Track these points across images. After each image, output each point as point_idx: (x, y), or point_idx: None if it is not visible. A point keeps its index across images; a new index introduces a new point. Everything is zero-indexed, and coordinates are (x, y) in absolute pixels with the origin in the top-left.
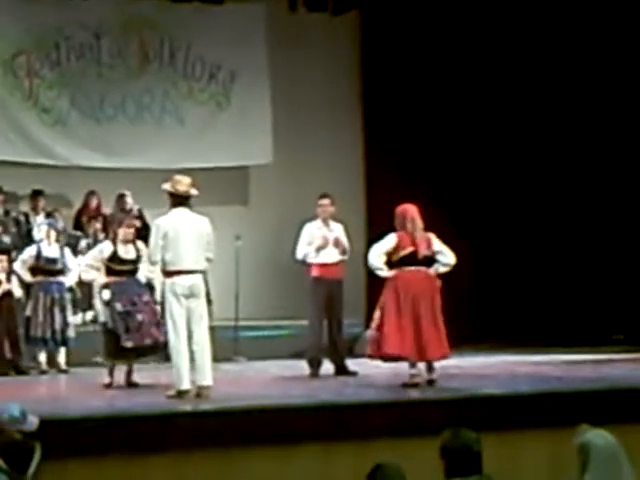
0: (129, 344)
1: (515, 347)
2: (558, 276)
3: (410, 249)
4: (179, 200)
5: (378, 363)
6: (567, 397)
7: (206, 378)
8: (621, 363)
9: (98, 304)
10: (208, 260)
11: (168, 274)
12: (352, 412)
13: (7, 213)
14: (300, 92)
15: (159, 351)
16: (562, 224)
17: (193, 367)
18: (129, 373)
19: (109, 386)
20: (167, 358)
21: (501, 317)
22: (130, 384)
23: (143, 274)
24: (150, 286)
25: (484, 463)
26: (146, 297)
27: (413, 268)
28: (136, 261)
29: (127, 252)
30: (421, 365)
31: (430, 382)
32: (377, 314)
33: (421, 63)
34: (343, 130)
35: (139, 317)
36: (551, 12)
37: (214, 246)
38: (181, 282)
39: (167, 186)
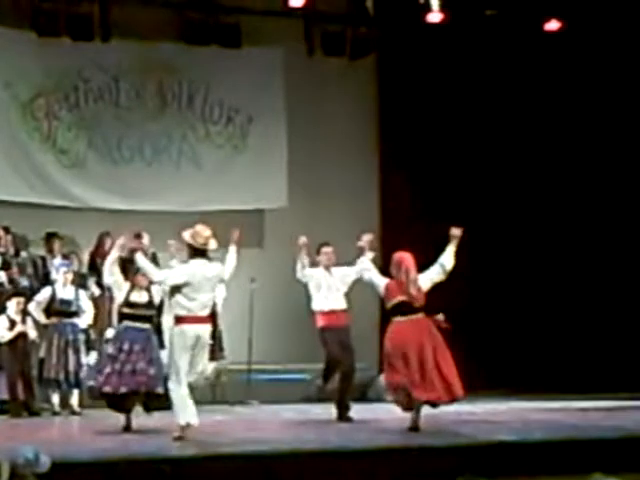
0: (107, 389)
1: (529, 393)
2: (572, 322)
3: (400, 298)
4: (198, 252)
5: (390, 408)
6: (581, 445)
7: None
8: (635, 410)
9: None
10: (231, 273)
11: (177, 321)
12: (367, 458)
13: (17, 254)
14: (317, 135)
15: (140, 400)
16: (579, 268)
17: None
18: (127, 416)
19: (125, 430)
20: (146, 408)
21: (515, 363)
22: (126, 428)
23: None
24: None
25: None
26: (139, 347)
27: (404, 318)
28: (149, 305)
29: (139, 296)
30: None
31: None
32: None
33: (436, 103)
34: (359, 173)
35: (125, 366)
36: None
37: (228, 270)
38: (190, 330)
39: (187, 236)
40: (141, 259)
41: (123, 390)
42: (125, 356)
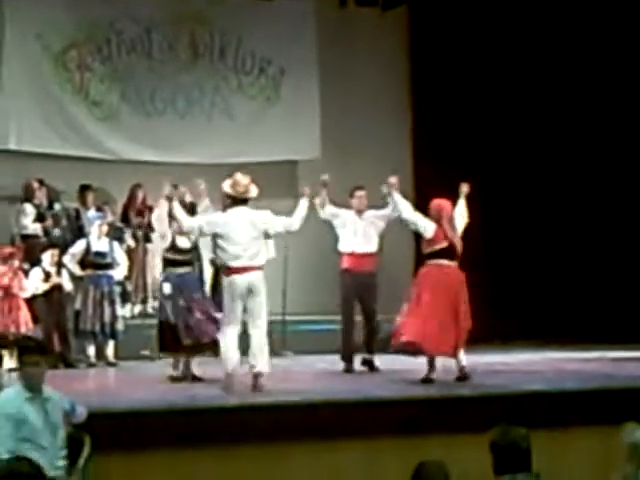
0: (188, 341)
1: (562, 344)
2: (605, 273)
3: (444, 244)
4: (237, 201)
5: (423, 360)
6: (615, 394)
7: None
8: None
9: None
10: (288, 229)
11: (226, 272)
12: (398, 408)
13: (51, 206)
14: (349, 87)
15: (214, 348)
16: (607, 222)
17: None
18: (187, 366)
19: (176, 379)
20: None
21: (549, 314)
22: (193, 377)
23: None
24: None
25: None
26: (200, 294)
27: (446, 262)
28: (192, 250)
29: (183, 242)
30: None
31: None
32: (404, 306)
33: (469, 56)
34: (391, 125)
35: (197, 315)
36: (568, 13)
37: (280, 221)
38: (239, 280)
39: (226, 186)
40: (176, 207)
41: (206, 340)
42: (197, 305)
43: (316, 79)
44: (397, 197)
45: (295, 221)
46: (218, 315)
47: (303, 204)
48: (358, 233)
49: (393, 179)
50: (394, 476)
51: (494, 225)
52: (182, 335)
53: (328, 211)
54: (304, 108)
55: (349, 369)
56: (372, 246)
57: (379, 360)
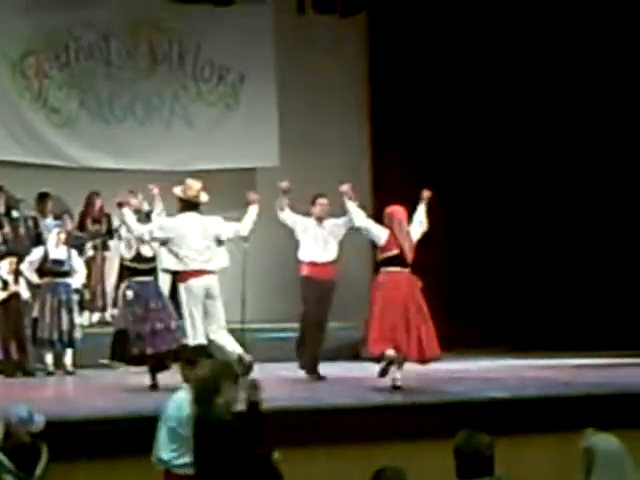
0: (135, 351)
1: (522, 351)
2: (565, 280)
3: (395, 251)
4: (188, 205)
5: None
6: (573, 401)
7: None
8: (627, 368)
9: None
10: (244, 239)
11: (182, 277)
12: (358, 415)
13: (8, 213)
14: (307, 93)
15: (173, 356)
16: (569, 228)
17: None
18: (153, 375)
19: (153, 388)
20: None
21: (507, 322)
22: (154, 387)
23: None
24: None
25: None
26: (160, 302)
27: (397, 269)
28: (154, 259)
29: (147, 250)
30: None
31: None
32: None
33: (427, 63)
34: (350, 131)
35: (154, 324)
36: (555, 11)
37: (230, 227)
38: (196, 284)
39: (178, 190)
40: (126, 213)
41: (164, 349)
42: (155, 314)
43: (274, 85)
44: (350, 205)
45: (245, 226)
46: (175, 325)
47: (252, 210)
48: (319, 241)
49: (345, 187)
50: None
51: (455, 232)
52: (130, 344)
53: (288, 215)
54: (263, 115)
55: (319, 377)
56: (332, 254)
57: (339, 367)
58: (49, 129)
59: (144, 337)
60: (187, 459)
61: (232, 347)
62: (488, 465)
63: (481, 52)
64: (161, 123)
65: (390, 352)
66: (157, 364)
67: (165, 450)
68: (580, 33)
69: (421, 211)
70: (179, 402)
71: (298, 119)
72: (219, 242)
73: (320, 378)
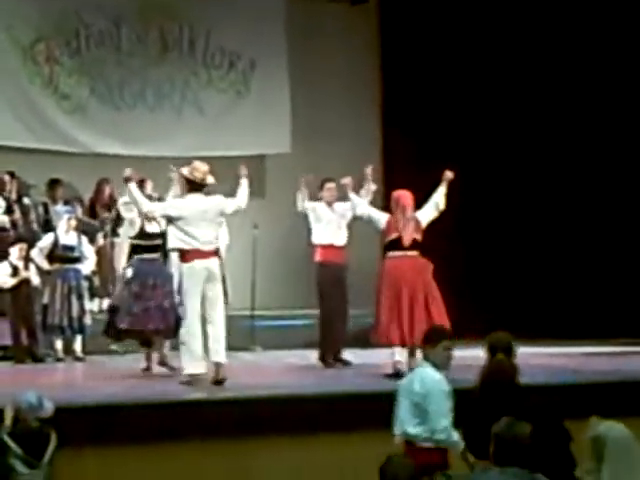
0: (123, 326)
1: (530, 339)
2: (574, 268)
3: (394, 235)
4: (195, 186)
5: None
6: (581, 389)
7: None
8: (637, 356)
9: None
10: (239, 208)
11: (186, 257)
12: (370, 402)
13: (19, 199)
14: (318, 80)
15: (162, 337)
16: (580, 216)
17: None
18: (148, 357)
19: (146, 370)
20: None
21: (517, 309)
22: (148, 369)
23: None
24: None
25: None
26: (159, 280)
27: (399, 253)
28: (161, 236)
29: (153, 227)
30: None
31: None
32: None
33: (438, 50)
34: (361, 118)
35: (147, 302)
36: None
37: (230, 202)
38: (199, 265)
39: (185, 171)
40: (133, 188)
41: (151, 327)
42: (150, 292)
43: (286, 72)
44: (352, 196)
45: (241, 200)
46: (168, 303)
47: (244, 183)
48: (332, 224)
49: (346, 180)
50: (365, 471)
51: (467, 219)
52: (119, 319)
53: (308, 205)
54: (274, 102)
55: (345, 362)
56: (344, 238)
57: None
58: (60, 115)
59: (135, 314)
60: (429, 433)
61: (216, 347)
62: (525, 454)
63: (493, 40)
64: (172, 110)
65: (398, 349)
66: (144, 341)
67: (410, 424)
68: (588, 30)
69: (440, 192)
70: (423, 378)
71: (308, 107)
72: (221, 221)
73: (346, 364)
